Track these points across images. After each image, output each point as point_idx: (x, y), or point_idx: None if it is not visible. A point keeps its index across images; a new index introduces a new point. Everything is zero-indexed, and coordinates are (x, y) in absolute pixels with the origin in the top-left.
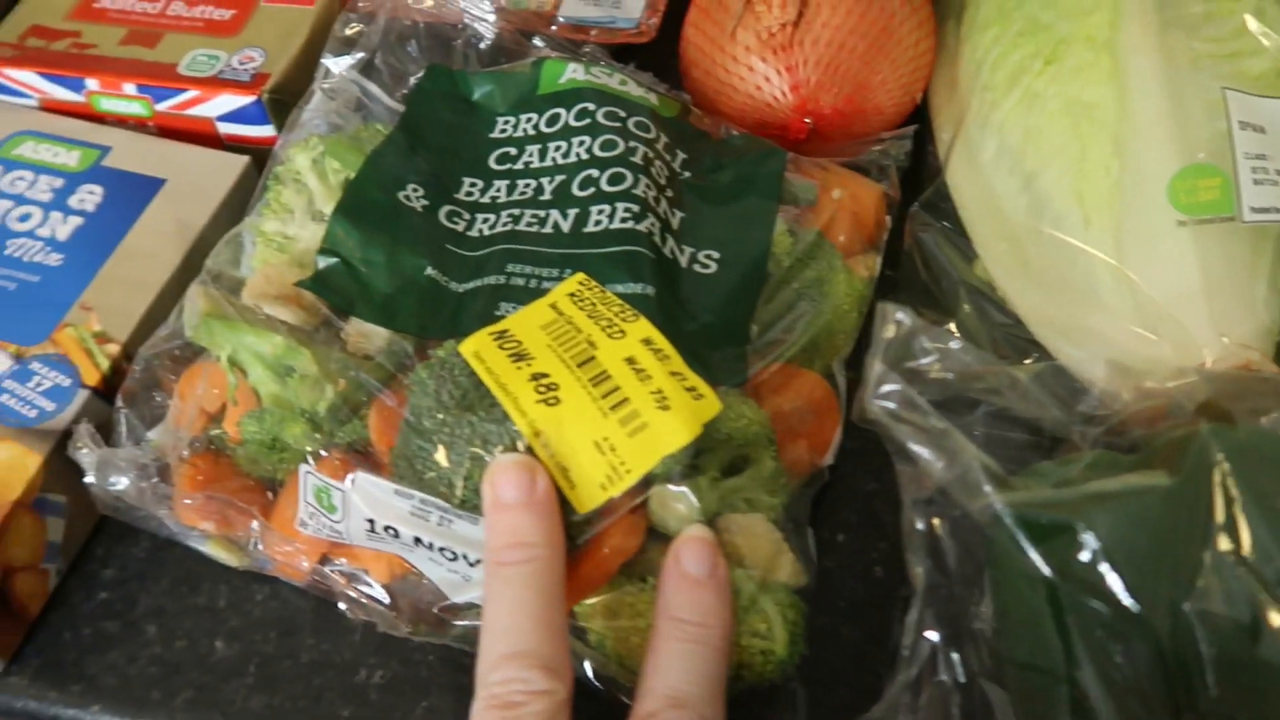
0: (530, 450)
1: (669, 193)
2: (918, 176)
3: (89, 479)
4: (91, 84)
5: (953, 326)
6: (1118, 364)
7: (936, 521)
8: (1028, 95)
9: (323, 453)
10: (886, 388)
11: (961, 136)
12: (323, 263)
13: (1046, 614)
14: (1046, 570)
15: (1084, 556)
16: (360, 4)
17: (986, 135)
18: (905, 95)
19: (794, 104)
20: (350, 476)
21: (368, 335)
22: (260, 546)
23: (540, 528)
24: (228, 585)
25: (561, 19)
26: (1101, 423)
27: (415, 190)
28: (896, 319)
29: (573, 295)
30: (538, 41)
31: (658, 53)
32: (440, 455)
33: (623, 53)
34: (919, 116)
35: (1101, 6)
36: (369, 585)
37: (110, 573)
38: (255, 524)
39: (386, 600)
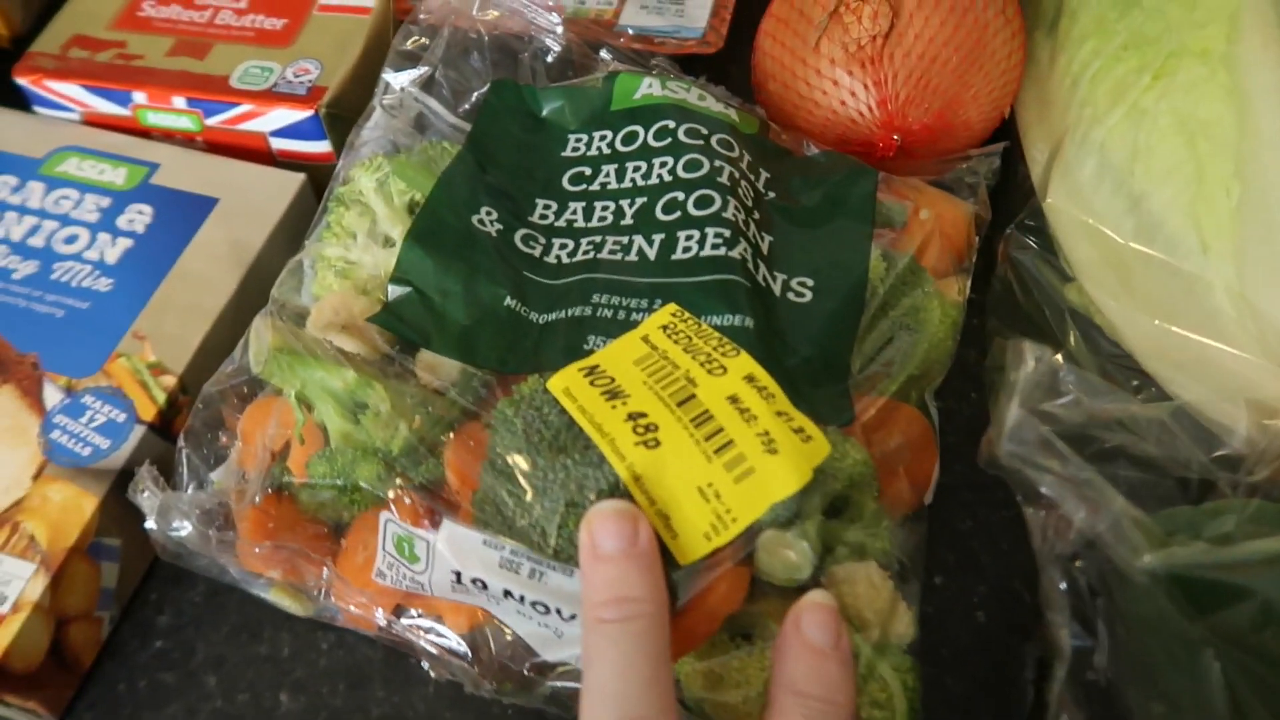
0: (629, 496)
1: (756, 215)
2: (1005, 194)
3: (150, 524)
4: (139, 97)
5: (1059, 357)
6: (1252, 402)
7: (1083, 582)
8: (1134, 111)
9: (405, 499)
10: (1022, 431)
11: (1058, 154)
12: (394, 292)
13: (1216, 683)
14: (1216, 637)
15: (1261, 622)
16: (421, 15)
17: (1085, 153)
18: (994, 110)
19: (881, 119)
20: (435, 524)
21: (437, 368)
22: (329, 597)
23: (645, 581)
24: (290, 633)
25: (630, 29)
26: (1248, 468)
27: (489, 213)
28: (1035, 357)
29: (665, 328)
30: (605, 54)
31: (719, 63)
32: (532, 501)
33: (685, 64)
34: (1005, 130)
35: (1215, 19)
36: (447, 637)
37: (165, 619)
38: (326, 572)
39: (468, 654)
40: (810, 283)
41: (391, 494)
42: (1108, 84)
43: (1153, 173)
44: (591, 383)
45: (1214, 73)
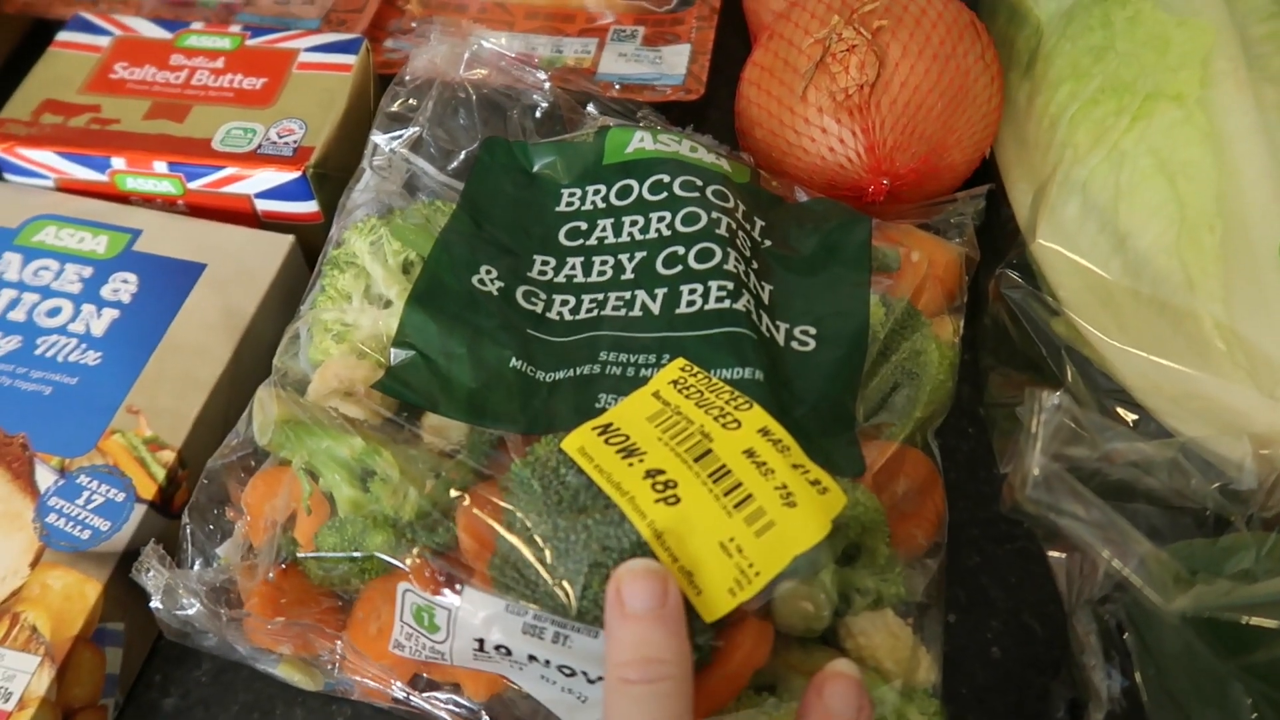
0: (651, 554)
1: (755, 265)
2: (988, 233)
3: (155, 604)
4: (118, 163)
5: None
6: (1246, 434)
7: (1112, 623)
8: (1115, 153)
9: (425, 570)
10: (1047, 479)
11: (1040, 194)
12: (398, 356)
13: (1245, 717)
14: (1244, 672)
15: None
16: (407, 76)
17: (1068, 193)
18: (976, 152)
19: (869, 165)
20: (455, 592)
21: (444, 429)
22: (339, 671)
23: (671, 643)
24: (303, 708)
25: (616, 81)
26: (1258, 503)
27: (489, 272)
28: (1054, 404)
29: (675, 383)
30: (591, 108)
31: (697, 108)
32: (554, 563)
33: (663, 111)
34: (985, 170)
35: (1187, 64)
36: (467, 707)
37: (172, 702)
38: (339, 646)
39: None
40: (813, 331)
41: (409, 563)
42: (1087, 126)
43: (1136, 212)
44: (606, 441)
45: (1190, 115)
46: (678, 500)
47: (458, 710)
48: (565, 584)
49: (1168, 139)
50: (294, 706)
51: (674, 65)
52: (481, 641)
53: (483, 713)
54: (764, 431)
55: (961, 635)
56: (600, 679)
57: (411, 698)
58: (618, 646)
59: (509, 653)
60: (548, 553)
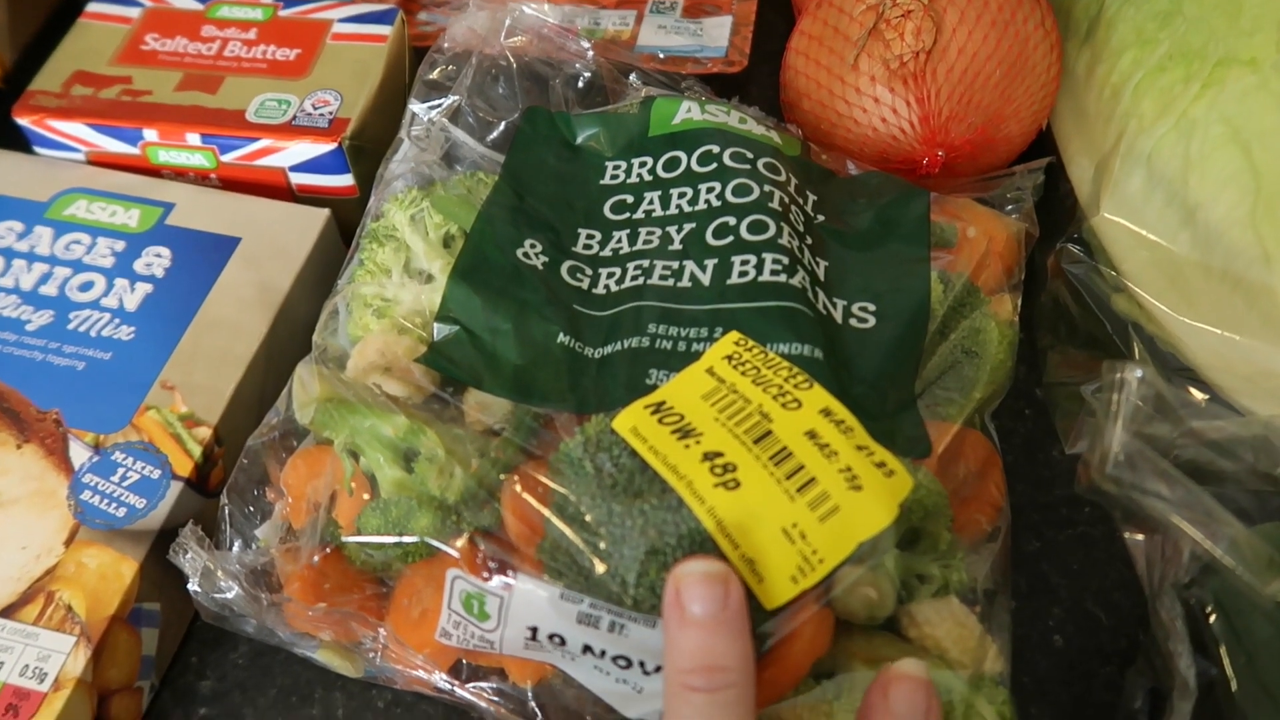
0: (711, 540)
1: (809, 240)
2: (1046, 208)
3: (194, 587)
4: (150, 135)
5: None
6: None
7: (1195, 607)
8: (1184, 122)
9: (476, 555)
10: (1128, 456)
11: (1102, 166)
12: (441, 332)
13: None
14: None
15: None
16: (445, 44)
17: (1133, 165)
18: (1034, 123)
19: (923, 136)
20: (507, 579)
21: (489, 405)
22: (381, 660)
23: (733, 649)
24: (343, 692)
25: (659, 53)
26: None
27: (533, 246)
28: (1137, 378)
29: (730, 358)
30: (634, 78)
31: (739, 82)
32: (609, 549)
33: (705, 84)
34: (1041, 142)
35: (1262, 28)
36: (513, 695)
37: (208, 684)
38: (381, 634)
39: (536, 712)
40: (872, 308)
41: (459, 547)
42: (1153, 95)
43: (1208, 183)
44: (660, 420)
45: (1265, 81)
46: (738, 485)
47: (502, 702)
48: (622, 572)
49: (1241, 106)
50: (333, 690)
51: (715, 37)
52: (535, 630)
53: (531, 702)
54: (826, 412)
55: (1023, 623)
56: (657, 669)
57: (456, 689)
58: (679, 653)
59: (563, 642)
60: (602, 539)
